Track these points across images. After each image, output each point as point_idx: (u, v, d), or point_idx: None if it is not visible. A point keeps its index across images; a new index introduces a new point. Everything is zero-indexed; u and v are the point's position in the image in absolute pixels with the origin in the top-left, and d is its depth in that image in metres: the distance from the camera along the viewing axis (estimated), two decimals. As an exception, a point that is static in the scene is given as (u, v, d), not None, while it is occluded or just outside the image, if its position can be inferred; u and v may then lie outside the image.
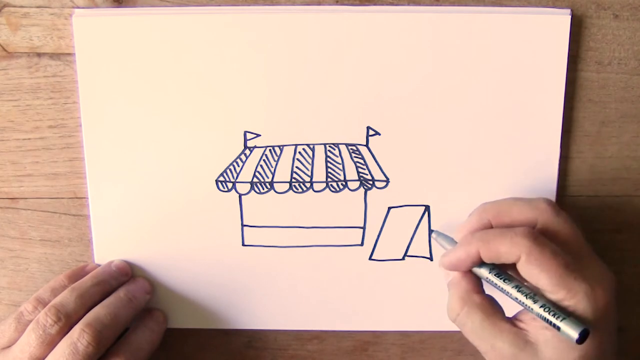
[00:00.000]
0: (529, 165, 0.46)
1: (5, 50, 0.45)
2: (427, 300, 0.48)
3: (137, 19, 0.44)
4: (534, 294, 0.38)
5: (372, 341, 0.50)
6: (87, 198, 0.47)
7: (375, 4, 0.44)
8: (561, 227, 0.40)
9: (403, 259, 0.48)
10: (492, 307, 0.40)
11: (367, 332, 0.50)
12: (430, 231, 0.47)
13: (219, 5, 0.44)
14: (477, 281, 0.42)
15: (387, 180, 0.47)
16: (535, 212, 0.40)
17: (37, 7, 0.44)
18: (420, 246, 0.47)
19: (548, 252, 0.38)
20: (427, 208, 0.47)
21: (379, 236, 0.47)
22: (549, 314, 0.37)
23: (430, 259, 0.48)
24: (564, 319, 0.37)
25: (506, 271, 0.40)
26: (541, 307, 0.37)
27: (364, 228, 0.47)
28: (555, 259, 0.38)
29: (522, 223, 0.40)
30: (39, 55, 0.45)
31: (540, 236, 0.39)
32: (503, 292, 0.40)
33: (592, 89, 0.46)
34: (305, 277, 0.48)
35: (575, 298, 0.37)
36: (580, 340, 0.36)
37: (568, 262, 0.38)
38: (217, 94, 0.45)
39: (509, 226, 0.40)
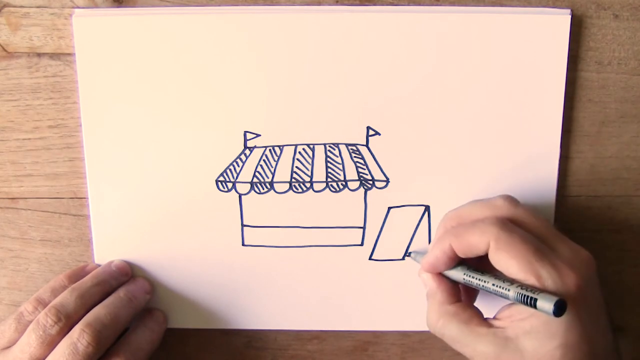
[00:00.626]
0: (529, 165, 0.46)
1: (5, 50, 0.45)
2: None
3: (137, 19, 0.44)
4: (511, 281, 0.38)
5: (372, 341, 0.50)
6: (87, 198, 0.47)
7: (375, 4, 0.44)
8: (522, 217, 0.40)
9: (403, 259, 0.48)
10: (468, 314, 0.41)
11: (367, 332, 0.50)
12: (408, 253, 0.47)
13: (219, 5, 0.44)
14: (453, 290, 0.42)
15: (387, 180, 0.47)
16: (494, 209, 0.41)
17: (37, 7, 0.44)
18: (420, 246, 0.47)
19: (517, 237, 0.38)
20: (427, 208, 0.47)
21: (379, 236, 0.47)
22: (524, 295, 0.37)
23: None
24: (539, 294, 0.36)
25: (482, 271, 0.41)
26: (516, 290, 0.37)
27: (364, 228, 0.47)
28: (524, 243, 0.38)
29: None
30: (39, 55, 0.45)
31: (509, 223, 0.39)
32: (481, 289, 0.40)
33: (592, 89, 0.46)
34: (305, 277, 0.48)
35: (544, 283, 0.37)
36: (558, 311, 0.36)
37: (537, 247, 0.38)
38: (217, 94, 0.45)
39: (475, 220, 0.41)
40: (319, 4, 0.44)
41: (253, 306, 0.49)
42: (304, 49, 0.44)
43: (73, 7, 0.44)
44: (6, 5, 0.44)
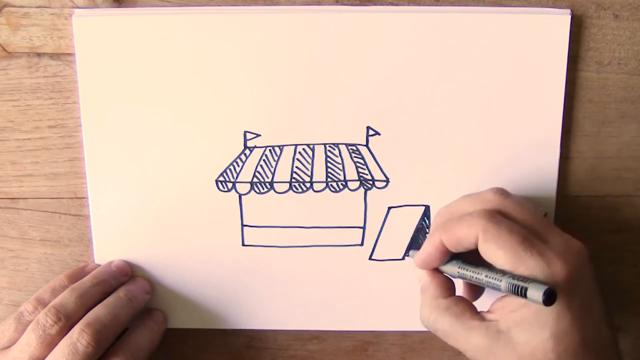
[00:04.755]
0: (529, 165, 0.46)
1: (5, 50, 0.45)
2: (427, 300, 0.48)
3: (137, 19, 0.44)
4: (503, 273, 0.38)
5: (372, 341, 0.50)
6: (87, 198, 0.47)
7: (375, 4, 0.44)
8: (512, 209, 0.40)
9: (403, 259, 0.48)
10: (460, 307, 0.41)
11: (367, 332, 0.50)
12: (407, 253, 0.47)
13: (219, 5, 0.44)
14: (445, 285, 0.42)
15: (387, 180, 0.47)
16: (484, 202, 0.41)
17: (37, 7, 0.44)
18: (420, 245, 0.47)
19: (504, 228, 0.38)
20: (427, 208, 0.47)
21: (379, 236, 0.47)
22: (514, 285, 0.37)
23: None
24: (529, 283, 0.36)
25: (477, 264, 0.41)
26: (508, 281, 0.37)
27: (364, 228, 0.47)
28: (511, 234, 0.38)
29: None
30: (39, 55, 0.45)
31: (497, 215, 0.39)
32: (476, 282, 0.40)
33: (592, 89, 0.46)
34: (305, 277, 0.48)
35: (532, 273, 0.37)
36: (547, 300, 0.35)
37: (525, 236, 0.38)
38: (217, 94, 0.45)
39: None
40: (319, 4, 0.44)
41: (253, 306, 0.49)
42: (304, 49, 0.44)
43: (73, 7, 0.44)
44: (6, 5, 0.44)
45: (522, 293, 0.36)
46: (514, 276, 0.37)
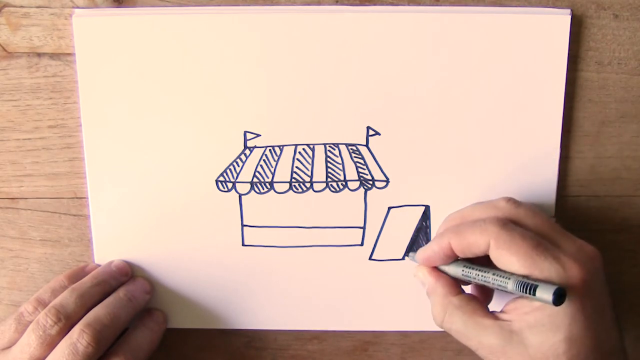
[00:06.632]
0: (529, 165, 0.46)
1: (5, 50, 0.45)
2: (427, 300, 0.48)
3: (137, 19, 0.44)
4: (510, 273, 0.38)
5: (372, 341, 0.50)
6: (87, 198, 0.47)
7: (375, 4, 0.44)
8: (524, 216, 0.40)
9: (403, 259, 0.48)
10: (473, 305, 0.40)
11: (367, 332, 0.50)
12: (406, 254, 0.47)
13: (219, 5, 0.44)
14: (452, 282, 0.42)
15: (387, 180, 0.47)
16: (496, 210, 0.41)
17: (37, 7, 0.44)
18: (420, 246, 0.47)
19: (517, 235, 0.38)
20: (427, 208, 0.47)
21: (379, 236, 0.47)
22: (523, 285, 0.37)
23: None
24: (538, 284, 0.36)
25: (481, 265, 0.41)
26: (516, 279, 0.37)
27: (364, 228, 0.47)
28: (524, 240, 0.38)
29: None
30: (39, 55, 0.45)
31: (509, 222, 0.39)
32: (481, 282, 0.40)
33: (592, 89, 0.46)
34: (305, 277, 0.48)
35: (546, 276, 0.37)
36: (557, 300, 0.35)
37: (538, 242, 0.38)
38: (217, 94, 0.45)
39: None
40: (319, 4, 0.44)
41: (253, 306, 0.49)
42: (304, 49, 0.44)
43: (73, 7, 0.44)
44: (6, 5, 0.44)
45: (531, 291, 0.36)
46: (522, 278, 0.37)
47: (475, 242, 0.39)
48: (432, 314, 0.42)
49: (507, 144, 0.46)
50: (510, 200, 0.41)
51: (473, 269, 0.40)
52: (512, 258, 0.38)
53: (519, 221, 0.40)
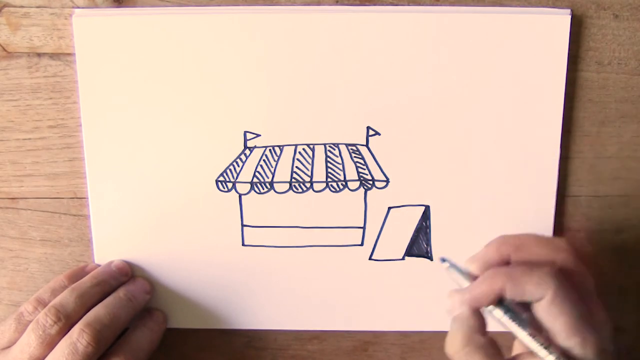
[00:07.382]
0: (529, 165, 0.46)
1: (5, 50, 0.45)
2: (427, 300, 0.48)
3: (137, 19, 0.44)
4: (549, 344, 0.38)
5: (372, 341, 0.50)
6: (87, 198, 0.47)
7: (375, 4, 0.44)
8: (577, 269, 0.40)
9: (403, 259, 0.48)
10: (494, 350, 0.39)
11: (367, 332, 0.50)
12: (442, 259, 0.42)
13: (219, 5, 0.44)
14: (483, 322, 0.40)
15: (387, 180, 0.47)
16: (556, 252, 0.40)
17: (37, 7, 0.44)
18: (420, 246, 0.47)
19: (573, 296, 0.38)
20: (427, 208, 0.47)
21: (379, 236, 0.47)
22: None
23: (430, 258, 0.48)
24: None
25: (518, 314, 0.39)
26: (555, 356, 0.37)
27: (364, 228, 0.47)
28: (577, 304, 0.38)
29: (540, 260, 0.40)
30: (39, 55, 0.45)
31: (564, 279, 0.38)
32: (514, 333, 0.39)
33: (592, 89, 0.46)
34: (305, 277, 0.48)
35: (587, 347, 0.37)
36: None
37: (584, 311, 0.38)
38: (217, 94, 0.45)
39: (528, 262, 0.40)
40: (319, 4, 0.44)
41: (253, 306, 0.49)
42: (304, 49, 0.44)
43: (73, 7, 0.44)
44: (6, 5, 0.44)
45: None
46: (560, 356, 0.37)
47: (530, 291, 0.38)
48: (448, 339, 0.40)
49: (507, 144, 0.46)
50: (571, 245, 0.40)
51: (514, 320, 0.39)
52: (561, 317, 0.37)
53: (571, 271, 0.39)
